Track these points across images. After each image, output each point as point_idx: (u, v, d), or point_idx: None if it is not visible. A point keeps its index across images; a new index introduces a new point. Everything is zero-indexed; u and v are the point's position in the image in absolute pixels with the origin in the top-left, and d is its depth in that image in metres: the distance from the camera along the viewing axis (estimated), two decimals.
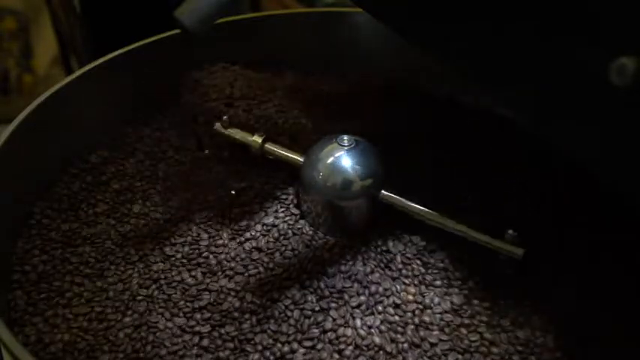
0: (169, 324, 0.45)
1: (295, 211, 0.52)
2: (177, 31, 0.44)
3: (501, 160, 0.56)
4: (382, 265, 0.48)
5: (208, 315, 0.45)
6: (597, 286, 0.46)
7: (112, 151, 0.59)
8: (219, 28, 0.48)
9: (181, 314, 0.45)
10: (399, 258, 0.48)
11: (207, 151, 0.57)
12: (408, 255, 0.48)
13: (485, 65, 0.40)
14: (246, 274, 0.47)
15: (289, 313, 0.45)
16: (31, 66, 1.38)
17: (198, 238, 0.50)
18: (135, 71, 0.61)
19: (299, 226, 0.51)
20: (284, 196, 0.53)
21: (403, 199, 0.49)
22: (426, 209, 0.49)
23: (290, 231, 0.50)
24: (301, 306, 0.45)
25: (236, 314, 0.45)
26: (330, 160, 0.49)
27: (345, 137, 0.50)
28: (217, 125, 0.56)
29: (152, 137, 0.61)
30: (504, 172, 0.55)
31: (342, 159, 0.49)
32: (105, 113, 0.60)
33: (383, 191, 0.50)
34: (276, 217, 0.52)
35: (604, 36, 0.32)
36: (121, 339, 0.44)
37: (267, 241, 0.50)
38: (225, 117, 0.56)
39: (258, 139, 0.54)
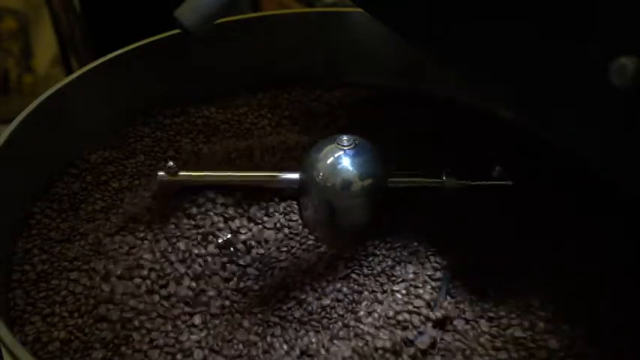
0: (161, 320, 0.45)
1: (295, 211, 0.52)
2: (177, 31, 0.44)
3: (502, 162, 0.56)
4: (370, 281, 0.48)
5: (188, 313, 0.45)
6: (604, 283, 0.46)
7: (112, 151, 0.59)
8: (218, 28, 0.48)
9: (167, 311, 0.45)
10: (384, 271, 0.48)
11: None
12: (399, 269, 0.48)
13: (485, 66, 0.40)
14: (232, 276, 0.48)
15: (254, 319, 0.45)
16: (31, 66, 1.38)
17: (196, 239, 0.50)
18: (135, 71, 0.60)
19: (296, 228, 0.51)
20: (283, 197, 0.53)
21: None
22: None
23: (283, 233, 0.51)
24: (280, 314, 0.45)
25: (209, 314, 0.45)
26: (330, 160, 0.49)
27: (345, 137, 0.50)
28: None
29: (152, 137, 0.61)
30: (504, 173, 0.55)
31: (342, 159, 0.49)
32: (105, 113, 0.60)
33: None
34: (274, 218, 0.52)
35: (604, 36, 0.32)
36: (112, 335, 0.44)
37: (262, 243, 0.50)
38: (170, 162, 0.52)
39: None
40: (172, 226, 0.51)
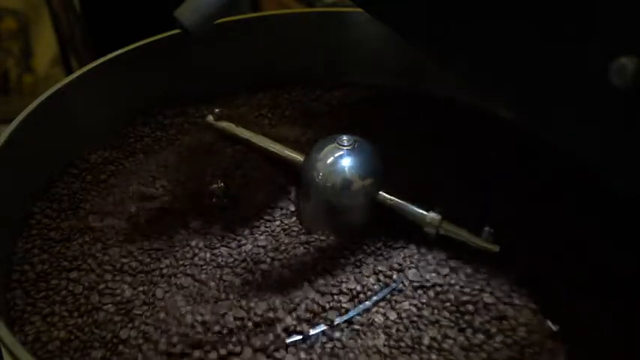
0: (159, 317, 0.45)
1: (293, 210, 0.52)
2: (177, 31, 0.44)
3: (501, 161, 0.56)
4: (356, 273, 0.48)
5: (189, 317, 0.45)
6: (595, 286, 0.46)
7: (112, 151, 0.59)
8: (218, 28, 0.48)
9: (164, 313, 0.45)
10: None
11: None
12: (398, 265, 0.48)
13: (485, 66, 0.40)
14: (233, 275, 0.48)
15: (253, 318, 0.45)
16: (31, 66, 1.38)
17: (194, 238, 0.50)
18: (135, 71, 0.61)
19: (295, 228, 0.51)
20: (283, 197, 0.53)
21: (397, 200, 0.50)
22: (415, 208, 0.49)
23: (283, 232, 0.51)
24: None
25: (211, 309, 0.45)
26: (330, 160, 0.49)
27: (345, 137, 0.50)
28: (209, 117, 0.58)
29: (152, 137, 0.61)
30: (504, 172, 0.55)
31: (342, 159, 0.49)
32: (105, 113, 0.60)
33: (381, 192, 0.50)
34: (274, 218, 0.52)
35: (604, 36, 0.32)
36: (111, 335, 0.44)
37: (261, 243, 0.50)
38: (216, 110, 0.57)
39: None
40: (174, 225, 0.51)
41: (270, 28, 0.66)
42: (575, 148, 0.36)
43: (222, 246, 0.50)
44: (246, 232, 0.51)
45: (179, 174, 0.55)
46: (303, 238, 0.50)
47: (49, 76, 1.36)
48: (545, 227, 0.50)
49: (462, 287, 0.46)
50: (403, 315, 0.45)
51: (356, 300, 0.46)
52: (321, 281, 0.47)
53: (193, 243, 0.50)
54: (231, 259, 0.49)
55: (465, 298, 0.45)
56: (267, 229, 0.51)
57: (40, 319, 0.45)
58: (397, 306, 0.46)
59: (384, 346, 0.43)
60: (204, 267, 0.48)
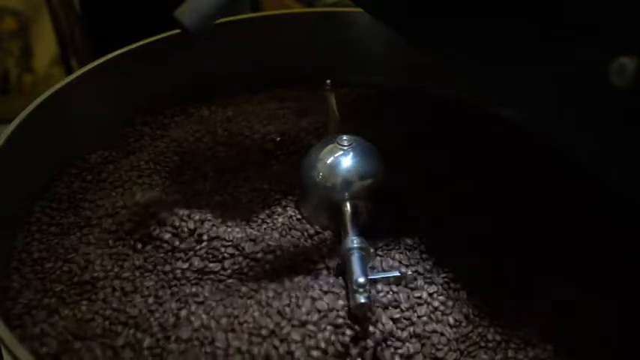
0: (153, 308, 0.45)
1: (294, 212, 0.52)
2: (177, 31, 0.44)
3: (500, 161, 0.56)
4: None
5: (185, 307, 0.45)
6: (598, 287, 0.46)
7: (112, 151, 0.59)
8: (218, 28, 0.48)
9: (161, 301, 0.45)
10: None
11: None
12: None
13: (485, 65, 0.40)
14: (233, 271, 0.48)
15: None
16: (31, 66, 1.38)
17: (194, 233, 0.50)
18: (135, 71, 0.61)
19: (296, 227, 0.51)
20: (284, 196, 0.53)
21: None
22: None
23: (280, 207, 0.51)
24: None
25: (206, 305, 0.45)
26: (330, 160, 0.49)
27: (345, 137, 0.50)
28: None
29: (152, 137, 0.61)
30: (503, 172, 0.55)
31: (342, 159, 0.49)
32: (105, 113, 0.60)
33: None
34: (275, 217, 0.52)
35: (604, 36, 0.32)
36: (109, 326, 0.44)
37: (262, 241, 0.49)
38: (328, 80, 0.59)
39: None
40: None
41: (270, 28, 0.66)
42: (575, 148, 0.36)
43: (218, 216, 0.50)
44: (247, 203, 0.52)
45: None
46: (293, 216, 0.51)
47: (49, 76, 1.36)
48: (544, 227, 0.50)
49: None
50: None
51: None
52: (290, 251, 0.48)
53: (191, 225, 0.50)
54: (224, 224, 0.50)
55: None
56: (266, 204, 0.52)
57: (32, 293, 0.46)
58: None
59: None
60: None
